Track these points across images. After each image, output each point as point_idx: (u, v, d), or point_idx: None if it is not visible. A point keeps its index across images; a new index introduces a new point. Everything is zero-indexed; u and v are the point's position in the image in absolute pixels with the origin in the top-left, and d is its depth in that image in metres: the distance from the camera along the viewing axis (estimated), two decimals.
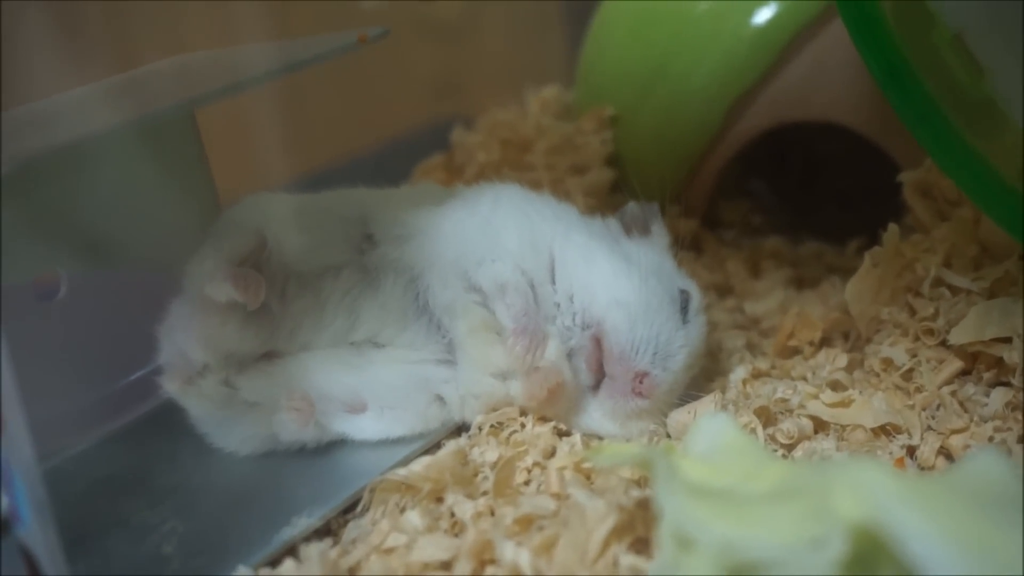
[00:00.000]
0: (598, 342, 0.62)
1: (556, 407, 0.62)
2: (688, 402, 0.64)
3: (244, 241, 0.62)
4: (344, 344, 0.64)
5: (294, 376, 0.63)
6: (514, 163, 0.92)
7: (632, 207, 0.71)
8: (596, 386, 0.63)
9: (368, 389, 0.63)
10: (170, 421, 0.65)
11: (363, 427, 0.63)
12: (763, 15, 0.82)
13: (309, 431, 0.62)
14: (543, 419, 0.62)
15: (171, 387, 0.63)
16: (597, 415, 0.63)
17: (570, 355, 0.63)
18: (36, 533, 0.45)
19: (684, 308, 0.64)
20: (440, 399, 0.64)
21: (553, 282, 0.64)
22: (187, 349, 0.62)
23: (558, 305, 0.64)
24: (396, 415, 0.63)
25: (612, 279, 0.63)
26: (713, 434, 0.48)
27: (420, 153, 1.00)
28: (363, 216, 0.66)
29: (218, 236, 0.63)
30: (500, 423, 0.62)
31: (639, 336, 0.61)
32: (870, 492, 0.38)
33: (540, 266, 0.64)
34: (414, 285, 0.64)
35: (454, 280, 0.63)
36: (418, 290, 0.64)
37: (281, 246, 0.63)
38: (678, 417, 0.63)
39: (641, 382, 0.61)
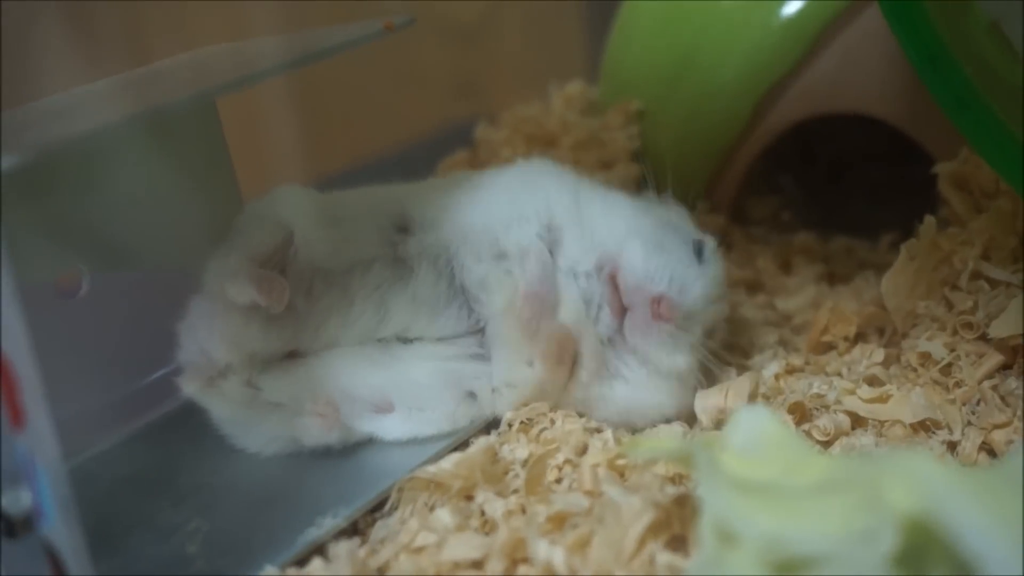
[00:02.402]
0: (614, 281, 0.62)
1: (567, 366, 0.61)
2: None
3: (269, 238, 0.61)
4: (371, 341, 0.63)
5: (319, 376, 0.61)
6: None
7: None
8: (620, 328, 0.62)
9: (395, 388, 0.62)
10: (194, 420, 0.64)
11: (390, 427, 0.62)
12: (792, 6, 0.81)
13: (334, 435, 0.61)
14: (573, 416, 0.61)
15: (191, 387, 0.61)
16: (623, 390, 0.62)
17: (597, 320, 0.62)
18: (60, 530, 0.44)
19: (699, 252, 0.64)
20: (471, 395, 0.62)
21: (576, 237, 0.64)
22: (209, 349, 0.60)
23: (577, 262, 0.63)
24: (424, 415, 0.62)
25: (631, 219, 0.64)
26: (752, 427, 0.47)
27: (441, 154, 0.99)
28: (397, 208, 0.65)
29: (242, 231, 0.62)
30: (529, 419, 0.61)
31: (654, 265, 0.61)
32: (922, 483, 0.37)
33: (565, 221, 0.64)
34: (448, 267, 0.63)
35: (486, 251, 0.62)
36: (452, 271, 0.63)
37: (309, 241, 0.62)
38: (710, 399, 0.62)
39: (659, 305, 0.60)
